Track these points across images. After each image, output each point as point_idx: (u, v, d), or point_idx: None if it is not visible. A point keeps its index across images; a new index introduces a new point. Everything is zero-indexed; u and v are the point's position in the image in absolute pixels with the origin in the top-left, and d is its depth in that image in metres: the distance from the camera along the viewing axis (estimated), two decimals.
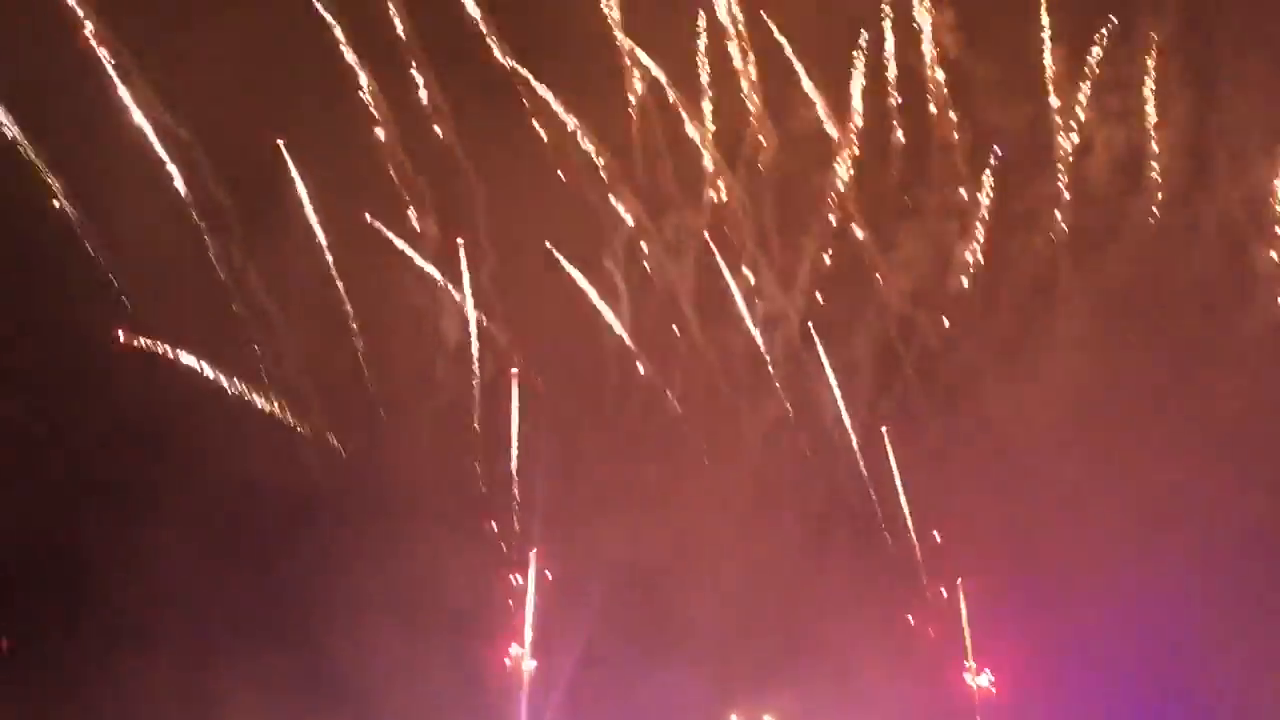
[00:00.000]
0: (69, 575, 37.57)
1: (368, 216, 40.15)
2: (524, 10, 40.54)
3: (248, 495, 37.82)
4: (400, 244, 40.54)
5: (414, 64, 40.40)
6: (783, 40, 41.73)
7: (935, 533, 43.01)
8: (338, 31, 39.31)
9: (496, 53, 40.86)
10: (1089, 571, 41.23)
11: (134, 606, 37.12)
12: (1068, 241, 43.41)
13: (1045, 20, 42.40)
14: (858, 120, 43.03)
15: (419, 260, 40.83)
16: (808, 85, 42.52)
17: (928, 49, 42.68)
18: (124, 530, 36.95)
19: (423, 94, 40.68)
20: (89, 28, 36.92)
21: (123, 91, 37.75)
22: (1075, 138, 43.43)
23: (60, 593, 37.63)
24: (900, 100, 42.97)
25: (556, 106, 41.24)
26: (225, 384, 39.42)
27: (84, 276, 37.94)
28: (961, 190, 43.14)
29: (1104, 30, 42.46)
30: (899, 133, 43.05)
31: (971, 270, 43.26)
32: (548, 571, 40.68)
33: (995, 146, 43.08)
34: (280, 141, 39.41)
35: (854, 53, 42.56)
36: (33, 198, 37.17)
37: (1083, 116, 43.17)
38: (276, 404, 39.87)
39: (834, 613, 39.96)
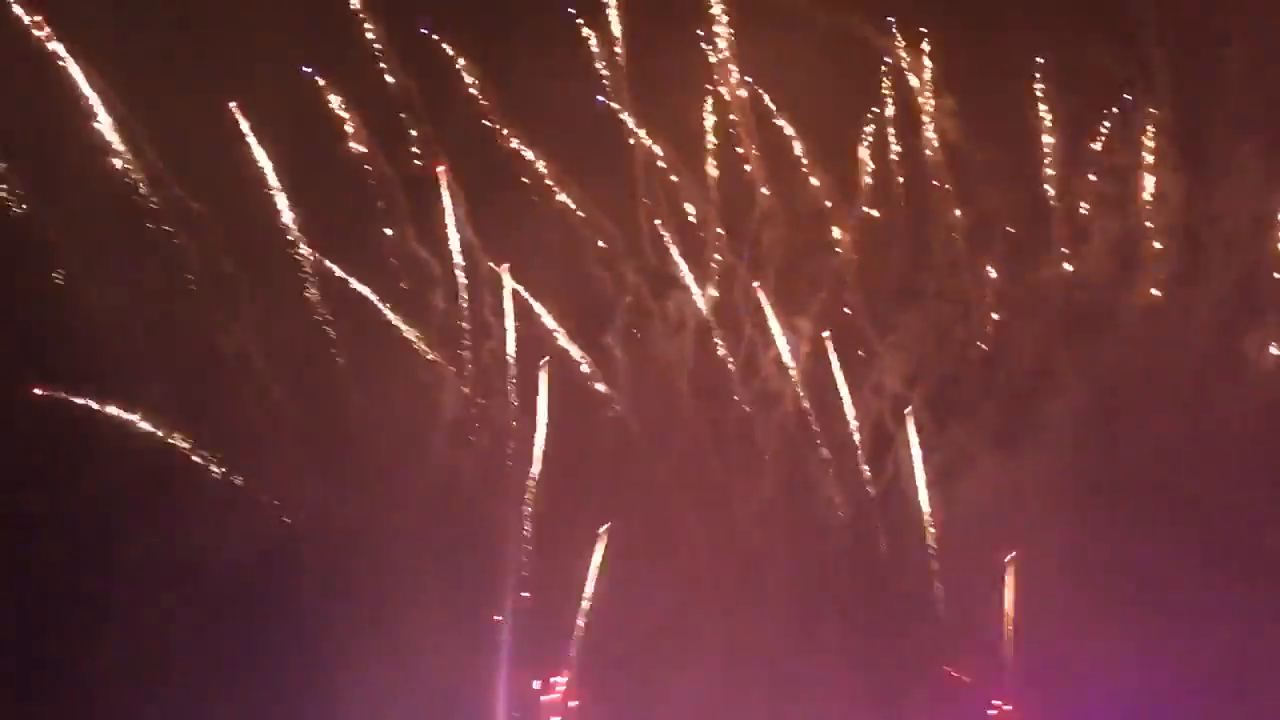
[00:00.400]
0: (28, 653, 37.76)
1: (371, 294, 41.00)
2: (528, 87, 41.12)
3: (227, 571, 38.15)
4: (397, 320, 41.25)
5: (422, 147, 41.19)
6: (784, 123, 42.70)
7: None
8: (337, 103, 40.18)
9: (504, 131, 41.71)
10: (1079, 655, 41.67)
11: (103, 691, 37.17)
12: (1065, 325, 44.08)
13: (1043, 105, 43.25)
14: (860, 202, 43.78)
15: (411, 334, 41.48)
16: (803, 154, 43.27)
17: (929, 132, 43.51)
18: (95, 608, 37.29)
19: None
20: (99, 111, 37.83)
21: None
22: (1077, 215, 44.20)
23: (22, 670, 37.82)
24: (902, 183, 43.70)
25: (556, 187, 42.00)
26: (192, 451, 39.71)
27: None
28: (961, 273, 43.88)
29: (1105, 123, 43.25)
30: (900, 215, 43.90)
31: (970, 352, 43.87)
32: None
33: (997, 228, 43.93)
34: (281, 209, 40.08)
35: (858, 136, 43.47)
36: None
37: (1081, 201, 43.95)
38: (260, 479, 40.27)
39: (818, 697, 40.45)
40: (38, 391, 37.49)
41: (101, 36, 37.49)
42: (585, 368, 42.11)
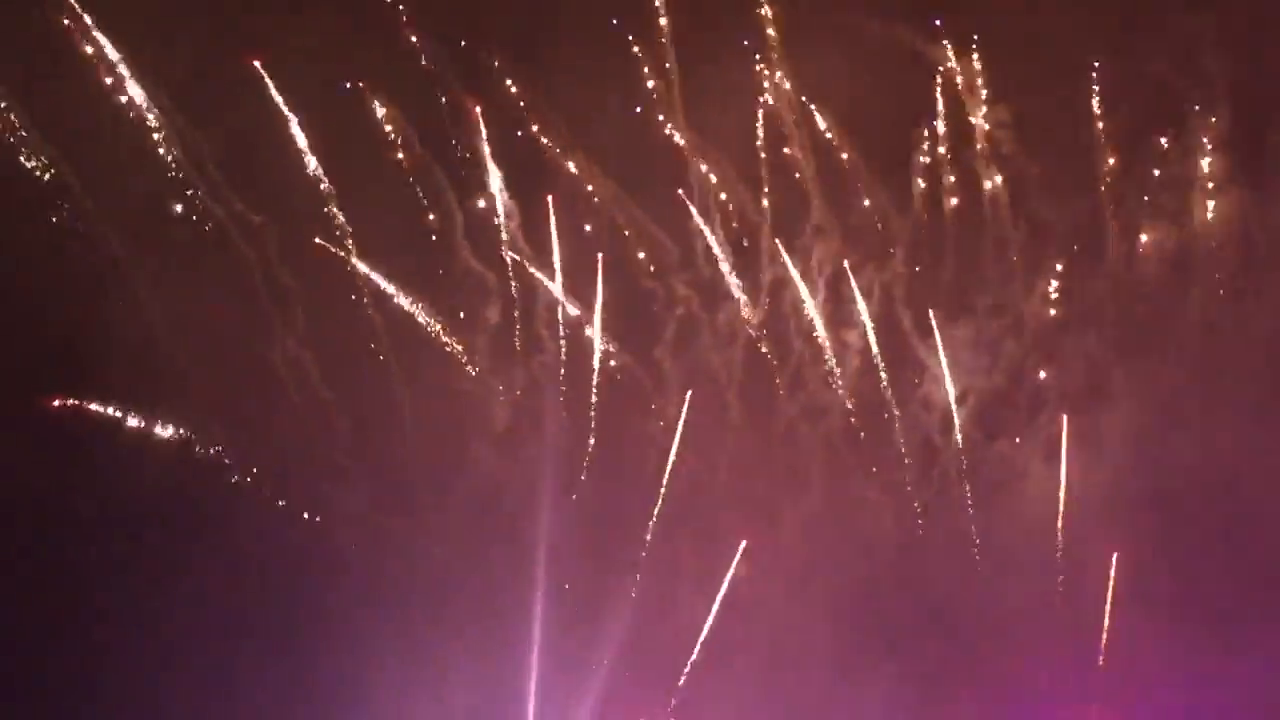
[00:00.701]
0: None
1: (419, 312, 41.60)
2: (579, 101, 41.41)
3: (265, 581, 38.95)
4: (447, 339, 41.77)
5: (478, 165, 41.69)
6: (833, 135, 42.68)
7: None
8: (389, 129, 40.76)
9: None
10: (1132, 675, 41.49)
11: (139, 701, 38.13)
12: (1119, 340, 43.68)
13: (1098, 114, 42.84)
14: (913, 214, 43.65)
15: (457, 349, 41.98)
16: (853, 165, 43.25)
17: (981, 142, 43.28)
18: (137, 617, 38.19)
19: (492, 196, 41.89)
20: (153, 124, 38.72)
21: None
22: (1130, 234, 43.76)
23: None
24: (955, 199, 43.49)
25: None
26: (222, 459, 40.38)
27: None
28: (1014, 287, 43.64)
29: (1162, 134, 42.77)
30: (952, 228, 43.72)
31: (1022, 366, 43.63)
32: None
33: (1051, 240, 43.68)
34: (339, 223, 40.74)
35: (910, 147, 43.35)
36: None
37: (1137, 215, 43.51)
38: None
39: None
40: (86, 404, 38.44)
41: (162, 52, 38.39)
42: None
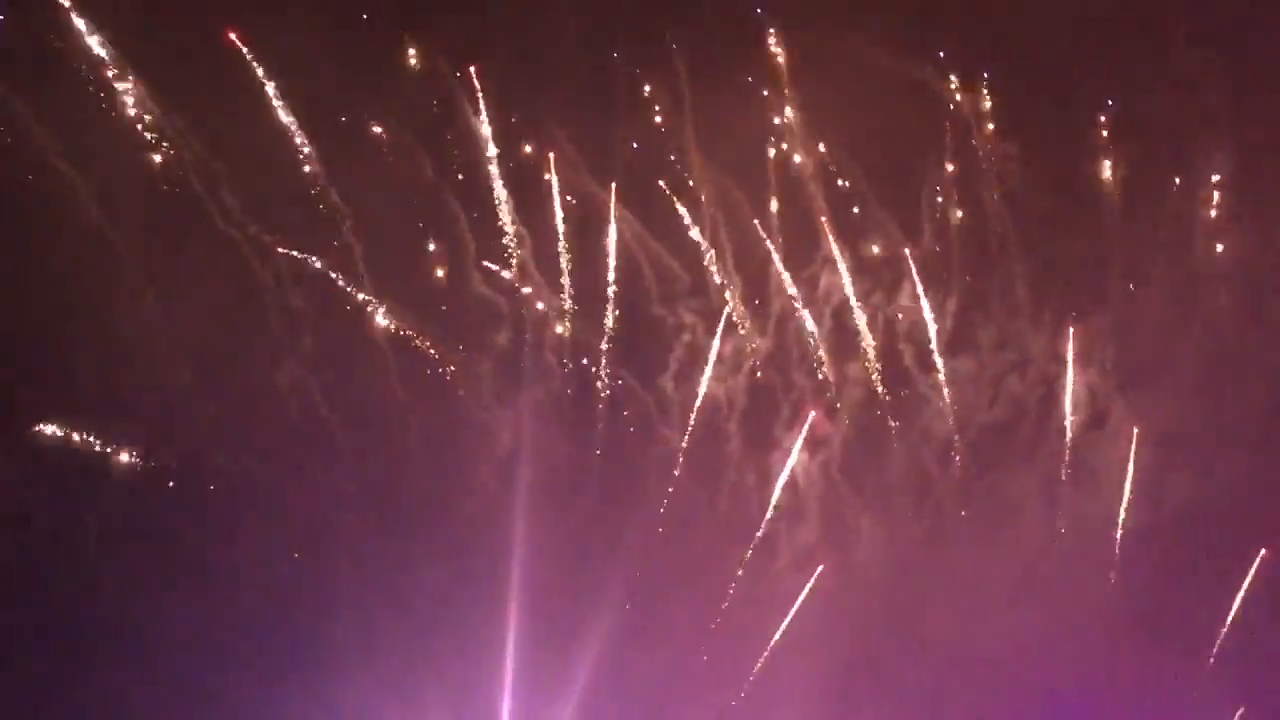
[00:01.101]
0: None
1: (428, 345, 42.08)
2: (591, 133, 41.77)
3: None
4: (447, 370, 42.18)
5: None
6: (839, 173, 42.93)
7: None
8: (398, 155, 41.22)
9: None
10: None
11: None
12: (1121, 371, 43.80)
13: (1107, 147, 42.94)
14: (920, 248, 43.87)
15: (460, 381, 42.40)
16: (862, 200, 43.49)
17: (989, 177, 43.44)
18: (125, 643, 38.41)
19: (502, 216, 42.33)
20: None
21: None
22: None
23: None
24: (962, 228, 43.66)
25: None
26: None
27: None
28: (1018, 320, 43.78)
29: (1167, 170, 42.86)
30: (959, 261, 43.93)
31: (1022, 399, 43.76)
32: None
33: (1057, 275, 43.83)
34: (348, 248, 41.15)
35: (919, 181, 43.55)
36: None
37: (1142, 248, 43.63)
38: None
39: None
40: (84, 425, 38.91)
41: (176, 74, 38.74)
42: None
